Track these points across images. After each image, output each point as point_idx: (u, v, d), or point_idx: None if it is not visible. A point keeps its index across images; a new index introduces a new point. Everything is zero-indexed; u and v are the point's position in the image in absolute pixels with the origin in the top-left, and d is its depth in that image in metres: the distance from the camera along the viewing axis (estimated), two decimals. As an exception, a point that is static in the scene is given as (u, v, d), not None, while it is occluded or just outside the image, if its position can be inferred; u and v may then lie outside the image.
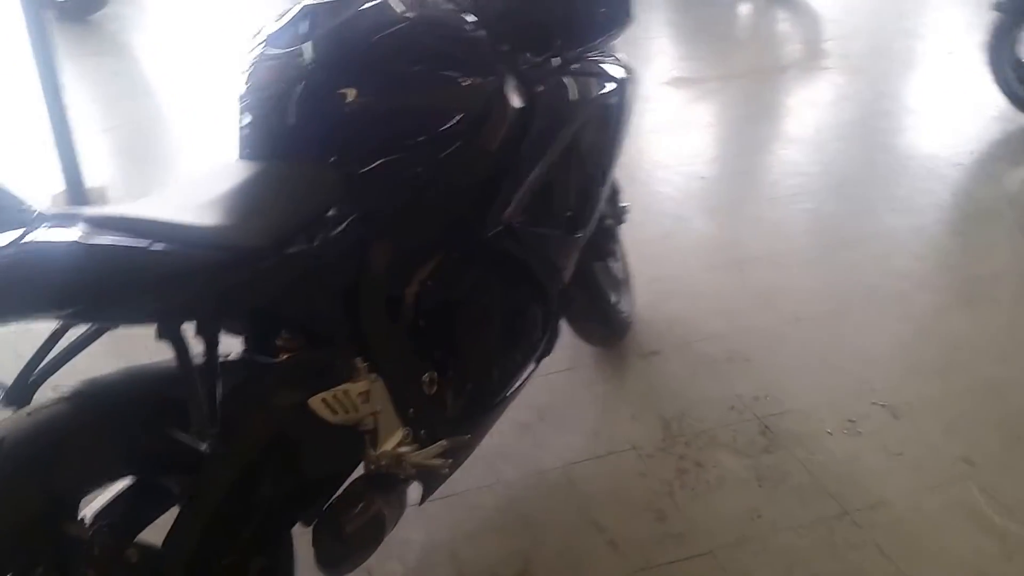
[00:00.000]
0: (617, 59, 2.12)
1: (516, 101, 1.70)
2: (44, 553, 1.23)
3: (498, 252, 1.79)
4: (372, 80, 1.54)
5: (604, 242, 2.37)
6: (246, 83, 1.61)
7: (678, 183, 3.76)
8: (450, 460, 1.67)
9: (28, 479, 1.19)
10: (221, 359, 1.36)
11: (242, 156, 1.60)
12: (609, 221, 2.36)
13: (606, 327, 2.47)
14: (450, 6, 1.70)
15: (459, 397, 1.73)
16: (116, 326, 1.31)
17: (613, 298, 2.49)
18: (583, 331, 2.46)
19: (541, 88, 1.78)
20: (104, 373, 1.36)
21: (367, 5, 1.59)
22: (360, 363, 1.52)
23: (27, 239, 1.07)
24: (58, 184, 3.49)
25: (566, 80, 1.85)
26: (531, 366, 1.96)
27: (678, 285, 2.98)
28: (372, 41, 1.55)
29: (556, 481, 2.17)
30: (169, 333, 1.27)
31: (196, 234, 1.23)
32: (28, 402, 1.27)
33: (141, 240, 1.15)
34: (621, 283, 2.62)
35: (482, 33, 1.68)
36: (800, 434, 2.29)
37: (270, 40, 1.61)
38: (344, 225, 1.47)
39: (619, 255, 2.60)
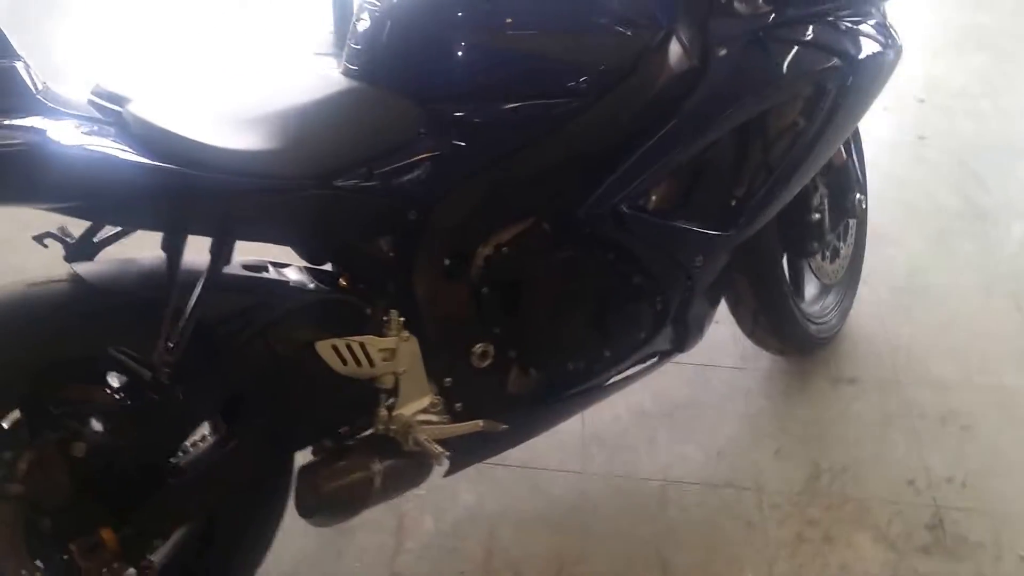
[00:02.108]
0: (880, 24, 1.68)
1: (678, 64, 1.42)
2: None
3: (600, 235, 1.48)
4: (491, 11, 1.36)
5: (805, 237, 1.89)
6: None
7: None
8: (484, 444, 1.49)
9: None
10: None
11: (344, 64, 1.43)
12: (815, 216, 1.87)
13: (779, 337, 2.01)
14: None
15: (518, 381, 1.53)
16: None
17: (804, 305, 2.02)
18: (752, 333, 2.02)
19: (723, 51, 1.44)
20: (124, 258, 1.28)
21: None
22: (395, 316, 1.35)
23: (40, 134, 1.04)
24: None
25: (768, 44, 1.50)
26: (631, 366, 1.64)
27: (926, 303, 2.39)
28: None
29: (647, 494, 1.83)
30: (170, 245, 1.22)
31: (221, 157, 1.16)
32: (91, 259, 1.24)
33: (155, 159, 1.11)
34: (825, 289, 2.13)
35: None
36: (980, 545, 1.74)
37: None
38: (419, 164, 1.32)
39: (836, 254, 2.09)
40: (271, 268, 1.37)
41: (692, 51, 1.42)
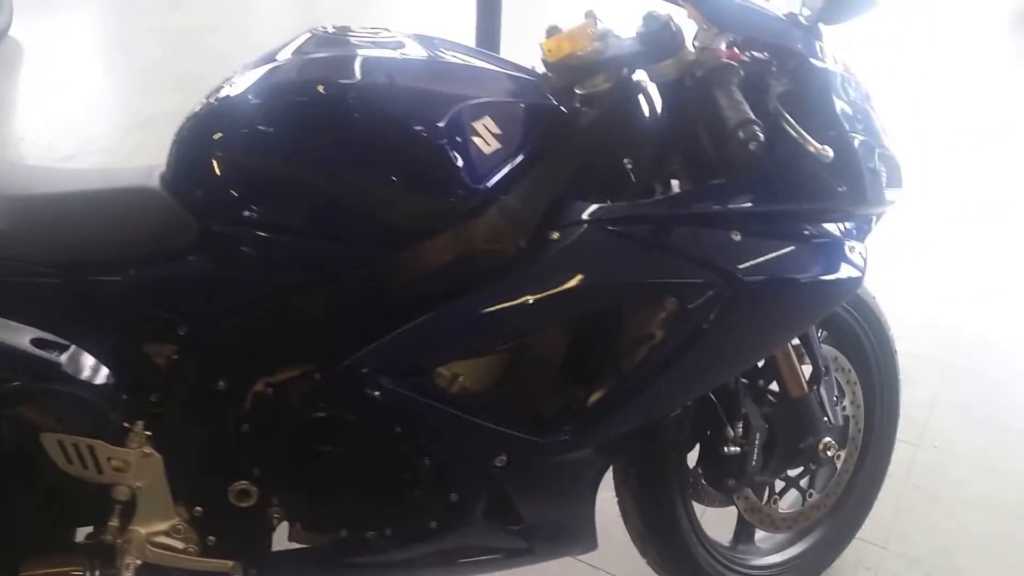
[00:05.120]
0: (835, 245, 1.48)
1: (487, 238, 1.35)
2: None
3: (374, 405, 1.35)
4: (279, 142, 1.31)
5: (719, 471, 1.60)
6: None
7: None
8: None
9: None
10: None
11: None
12: (732, 449, 1.57)
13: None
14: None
15: (291, 533, 1.44)
16: None
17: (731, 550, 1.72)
18: (645, 553, 1.72)
19: (555, 235, 1.33)
20: None
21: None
22: (138, 428, 1.29)
23: None
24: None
25: (617, 239, 1.35)
26: (440, 554, 1.49)
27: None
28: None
29: None
30: None
31: None
32: None
33: None
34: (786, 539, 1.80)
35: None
36: None
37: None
38: (192, 279, 1.30)
39: (802, 501, 1.76)
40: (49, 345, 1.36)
41: (512, 228, 1.33)
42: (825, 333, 1.77)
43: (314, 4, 5.79)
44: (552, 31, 1.47)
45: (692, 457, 1.65)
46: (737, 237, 1.36)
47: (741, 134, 1.23)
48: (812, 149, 1.29)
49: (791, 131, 1.31)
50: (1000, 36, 6.02)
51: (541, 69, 1.46)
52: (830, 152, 1.29)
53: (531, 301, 1.31)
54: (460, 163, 1.28)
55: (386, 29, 1.45)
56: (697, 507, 1.69)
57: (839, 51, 1.48)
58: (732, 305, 1.35)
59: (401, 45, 1.40)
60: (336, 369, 1.32)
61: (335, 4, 5.57)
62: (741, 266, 1.35)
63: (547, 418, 1.42)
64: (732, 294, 1.35)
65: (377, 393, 1.32)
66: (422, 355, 1.34)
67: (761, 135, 1.23)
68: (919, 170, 3.77)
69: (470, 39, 3.12)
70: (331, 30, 1.43)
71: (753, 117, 1.24)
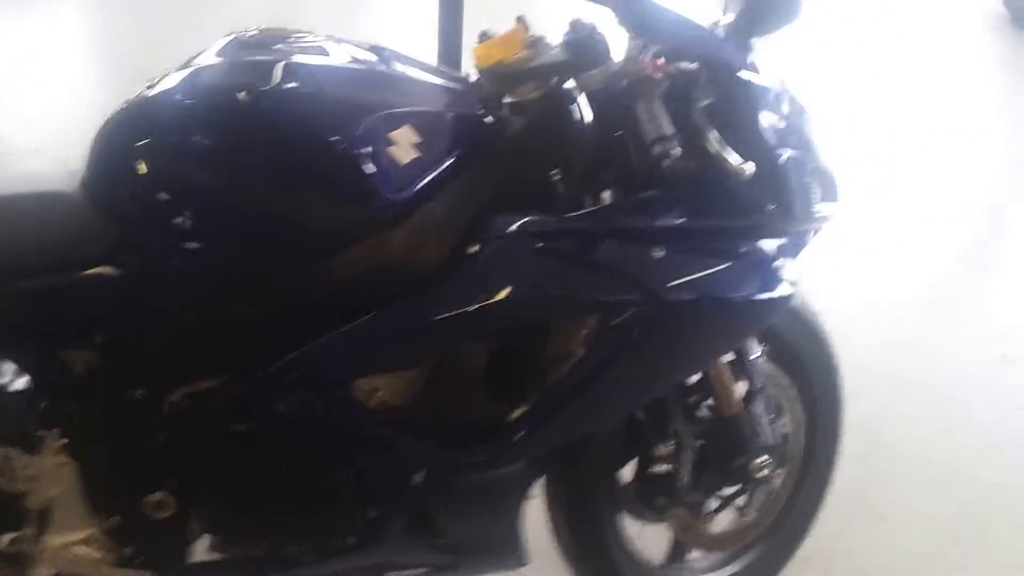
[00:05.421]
0: (763, 262, 1.45)
1: (404, 250, 1.31)
2: None
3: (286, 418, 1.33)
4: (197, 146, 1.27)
5: (647, 489, 1.58)
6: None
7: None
8: None
9: None
10: None
11: None
12: (662, 467, 1.55)
13: None
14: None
15: (211, 546, 1.41)
16: None
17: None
18: None
19: (474, 248, 1.30)
20: None
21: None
22: (52, 437, 1.28)
23: None
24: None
25: (539, 254, 1.32)
26: (361, 569, 1.46)
27: None
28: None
29: None
30: None
31: None
32: None
33: None
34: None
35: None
36: None
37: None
38: (106, 284, 1.26)
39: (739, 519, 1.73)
40: None
41: (432, 240, 1.30)
42: (766, 348, 1.75)
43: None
44: (483, 37, 1.45)
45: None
46: (661, 253, 1.33)
47: (655, 151, 1.20)
48: (730, 166, 1.26)
49: (711, 147, 1.28)
50: (975, 37, 6.01)
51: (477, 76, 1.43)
52: (749, 169, 1.26)
53: (447, 316, 1.28)
54: (376, 173, 1.25)
55: (311, 33, 1.42)
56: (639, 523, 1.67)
57: (775, 64, 1.46)
58: (654, 323, 1.33)
59: (324, 50, 1.36)
60: (253, 380, 1.30)
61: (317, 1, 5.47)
62: (663, 284, 1.33)
63: (469, 434, 1.39)
64: (654, 312, 1.32)
65: (293, 405, 1.30)
66: (338, 368, 1.31)
67: (675, 152, 1.20)
68: (882, 180, 3.81)
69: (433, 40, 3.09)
70: (254, 33, 1.39)
71: (668, 133, 1.21)
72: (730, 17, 1.37)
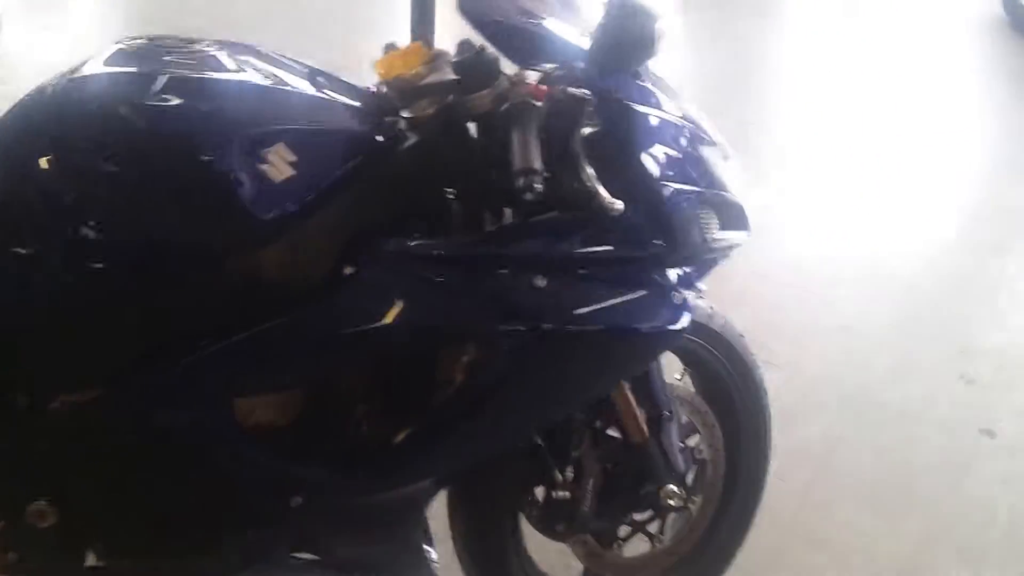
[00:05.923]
0: (653, 294, 1.40)
1: (279, 268, 1.27)
2: None
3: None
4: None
5: (546, 513, 1.54)
6: None
7: None
8: None
9: None
10: None
11: None
12: (561, 493, 1.51)
13: None
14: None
15: (82, 551, 1.37)
16: None
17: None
18: None
19: (350, 270, 1.26)
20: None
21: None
22: None
23: None
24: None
25: (415, 281, 1.28)
26: None
27: None
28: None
29: None
30: None
31: None
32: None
33: None
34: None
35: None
36: None
37: None
38: None
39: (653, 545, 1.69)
40: None
41: (307, 260, 1.26)
42: (686, 372, 1.71)
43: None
44: (388, 48, 1.41)
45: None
46: (542, 283, 1.28)
47: (519, 183, 1.16)
48: (599, 201, 1.21)
49: (583, 179, 1.23)
50: (975, 42, 5.92)
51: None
52: (618, 206, 1.22)
53: (315, 340, 1.24)
54: (243, 190, 1.20)
55: (205, 40, 1.38)
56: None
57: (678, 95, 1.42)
58: (532, 353, 1.29)
59: (212, 60, 1.32)
60: (128, 393, 1.27)
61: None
62: (542, 313, 1.28)
63: (352, 456, 1.36)
64: (531, 342, 1.28)
65: (168, 421, 1.27)
66: (211, 386, 1.28)
67: (538, 186, 1.16)
68: (863, 187, 3.73)
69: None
70: (142, 41, 1.36)
71: (536, 166, 1.16)
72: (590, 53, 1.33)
